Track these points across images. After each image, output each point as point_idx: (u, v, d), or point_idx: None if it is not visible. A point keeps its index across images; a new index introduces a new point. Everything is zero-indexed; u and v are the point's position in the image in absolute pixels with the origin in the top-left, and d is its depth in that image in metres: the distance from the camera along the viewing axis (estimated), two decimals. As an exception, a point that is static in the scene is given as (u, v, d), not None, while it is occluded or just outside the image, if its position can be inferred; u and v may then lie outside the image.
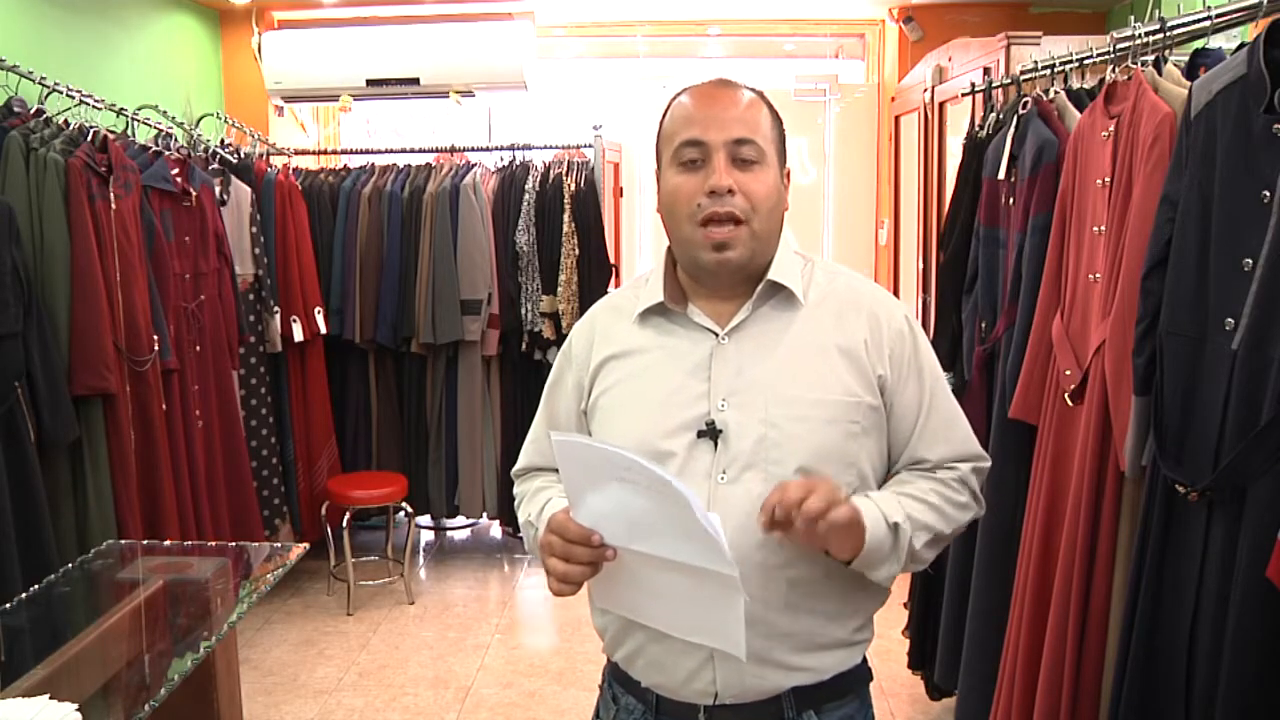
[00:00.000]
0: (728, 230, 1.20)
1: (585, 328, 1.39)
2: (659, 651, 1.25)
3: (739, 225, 1.21)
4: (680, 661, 1.24)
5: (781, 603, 1.21)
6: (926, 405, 1.27)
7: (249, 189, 3.76)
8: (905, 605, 3.02)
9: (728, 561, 1.06)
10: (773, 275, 1.25)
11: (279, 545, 2.36)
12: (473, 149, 4.37)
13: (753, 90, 1.27)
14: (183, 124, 3.63)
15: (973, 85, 2.97)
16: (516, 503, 1.43)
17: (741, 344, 1.25)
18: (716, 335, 1.25)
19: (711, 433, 1.21)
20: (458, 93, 4.53)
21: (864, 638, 1.30)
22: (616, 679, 1.35)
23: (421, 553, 4.59)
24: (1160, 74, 1.90)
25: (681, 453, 1.22)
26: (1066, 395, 2.04)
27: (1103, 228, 1.95)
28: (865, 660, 1.33)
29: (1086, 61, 2.26)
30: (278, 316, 3.83)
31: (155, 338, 2.89)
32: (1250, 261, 1.46)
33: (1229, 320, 1.50)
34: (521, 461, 1.45)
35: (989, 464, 1.34)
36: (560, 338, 4.09)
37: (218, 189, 3.55)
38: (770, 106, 1.28)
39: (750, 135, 1.21)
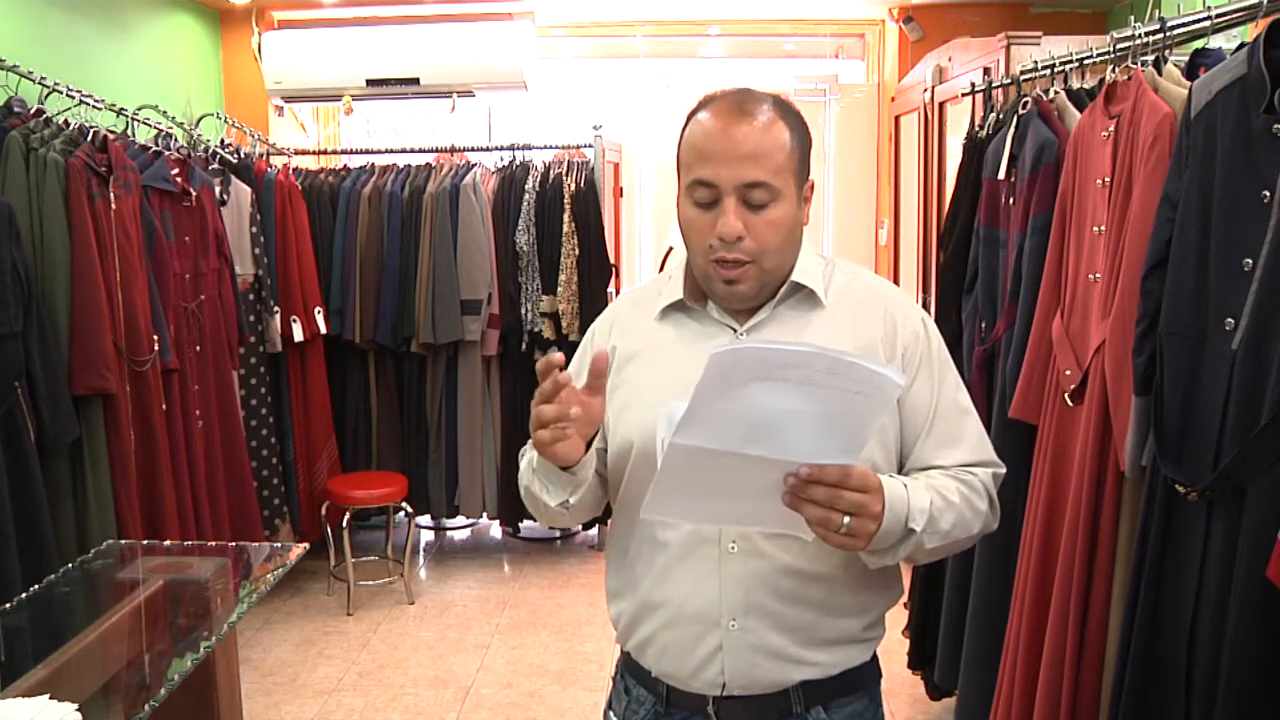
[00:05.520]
0: (738, 271, 1.22)
1: (607, 320, 1.41)
2: (670, 639, 1.27)
3: (748, 266, 1.22)
4: (690, 650, 1.26)
5: (791, 595, 1.22)
6: (936, 408, 1.27)
7: (249, 189, 3.76)
8: (905, 605, 3.02)
9: (856, 447, 1.05)
10: (796, 277, 1.27)
11: (279, 545, 2.36)
12: (473, 149, 4.37)
13: (773, 103, 1.23)
14: (183, 124, 3.63)
15: (973, 85, 2.97)
16: (521, 477, 1.39)
17: (759, 340, 1.26)
18: (735, 331, 1.28)
19: None
20: (458, 94, 4.53)
21: (874, 635, 1.31)
22: (628, 670, 1.37)
23: (421, 553, 4.59)
24: (1160, 74, 1.90)
25: None
26: (1066, 395, 2.04)
27: (1103, 228, 1.95)
28: (875, 658, 1.33)
29: (1086, 61, 2.26)
30: (278, 316, 3.83)
31: (155, 338, 2.89)
32: (1250, 261, 1.46)
33: (1229, 320, 1.50)
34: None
35: (1004, 470, 1.33)
36: (560, 337, 4.09)
37: (218, 189, 3.55)
38: (790, 120, 1.23)
39: (762, 177, 1.19)
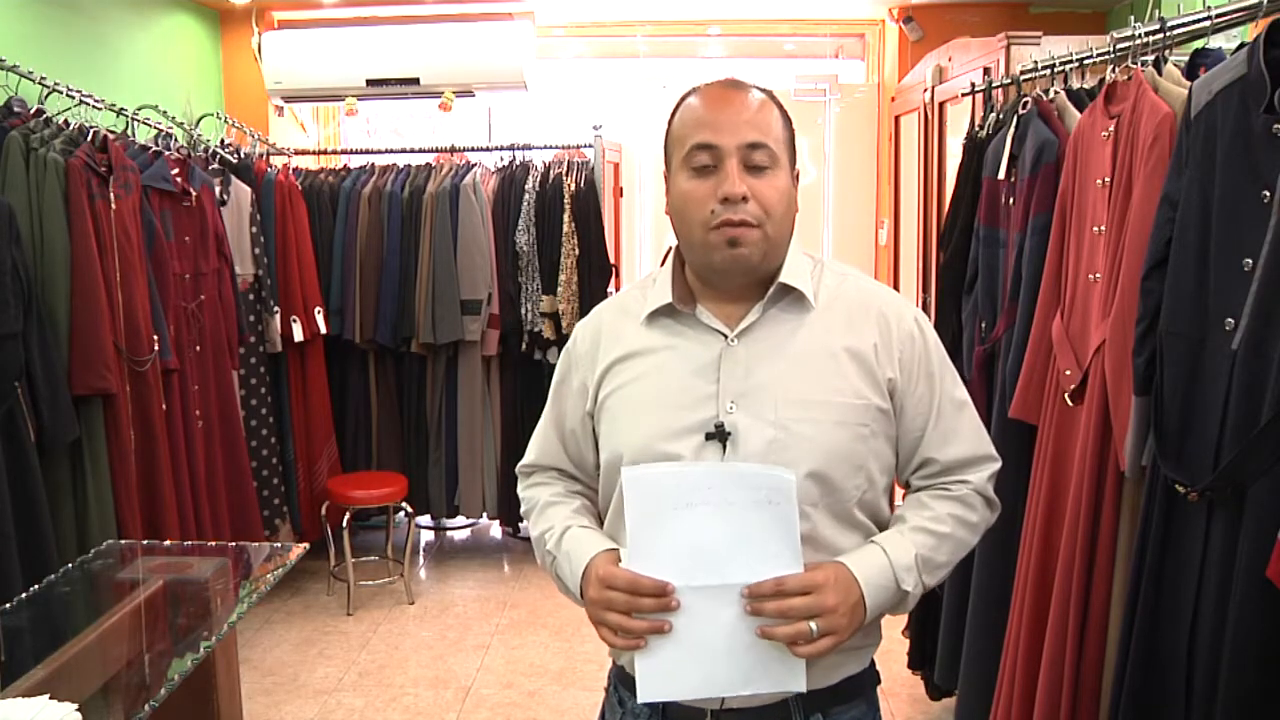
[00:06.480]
0: (743, 231, 1.20)
1: (590, 328, 1.36)
2: None
3: (752, 229, 1.20)
4: None
5: None
6: (936, 407, 1.27)
7: (249, 189, 3.76)
8: (905, 605, 3.02)
9: (796, 558, 1.12)
10: (784, 278, 1.24)
11: (279, 545, 2.36)
12: (473, 149, 4.38)
13: (762, 90, 1.25)
14: (183, 124, 3.63)
15: (973, 85, 2.97)
16: (523, 508, 1.42)
17: (751, 346, 1.24)
18: (725, 337, 1.24)
19: (720, 435, 1.20)
20: (455, 93, 4.52)
21: (871, 642, 1.30)
22: (622, 682, 1.34)
23: (421, 553, 4.60)
24: (1160, 74, 1.90)
25: (689, 455, 1.20)
26: (1066, 395, 2.05)
27: (1103, 228, 1.95)
28: (873, 664, 1.33)
29: (1086, 61, 2.26)
30: (278, 316, 3.83)
31: (155, 338, 2.89)
32: (1250, 261, 1.46)
33: (1229, 320, 1.50)
34: (528, 457, 1.44)
35: (999, 464, 1.33)
36: (560, 338, 4.09)
37: (218, 189, 3.55)
38: (780, 107, 1.26)
39: (763, 139, 1.20)
